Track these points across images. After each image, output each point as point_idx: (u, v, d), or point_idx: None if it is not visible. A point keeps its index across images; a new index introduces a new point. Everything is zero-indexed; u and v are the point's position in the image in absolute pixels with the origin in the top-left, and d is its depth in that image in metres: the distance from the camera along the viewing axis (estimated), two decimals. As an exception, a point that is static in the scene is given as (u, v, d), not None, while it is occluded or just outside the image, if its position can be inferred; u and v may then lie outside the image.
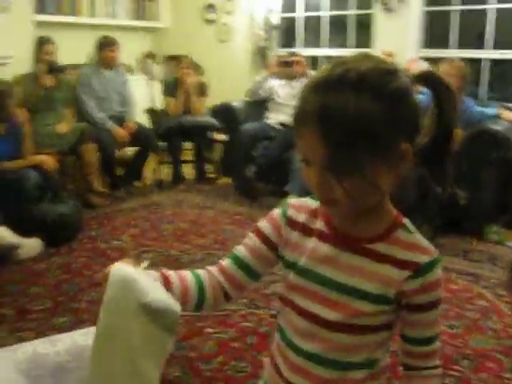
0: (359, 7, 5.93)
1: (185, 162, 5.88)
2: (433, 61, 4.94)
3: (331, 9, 6.17)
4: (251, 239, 1.19)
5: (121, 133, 5.24)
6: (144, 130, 5.47)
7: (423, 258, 1.03)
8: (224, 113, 5.64)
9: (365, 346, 1.07)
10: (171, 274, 1.13)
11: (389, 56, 5.15)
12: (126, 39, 6.03)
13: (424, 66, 4.86)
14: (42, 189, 4.04)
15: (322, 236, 1.10)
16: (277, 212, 1.18)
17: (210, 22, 6.99)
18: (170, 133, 5.54)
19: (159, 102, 5.94)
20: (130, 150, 5.55)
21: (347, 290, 1.05)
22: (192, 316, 2.91)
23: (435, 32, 5.58)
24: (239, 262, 1.18)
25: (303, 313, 1.10)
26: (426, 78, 1.02)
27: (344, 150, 0.90)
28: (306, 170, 1.00)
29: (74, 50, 5.82)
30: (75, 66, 5.66)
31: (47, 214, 3.93)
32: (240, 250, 1.20)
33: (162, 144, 5.70)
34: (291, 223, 1.15)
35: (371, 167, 0.93)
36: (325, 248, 1.08)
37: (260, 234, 1.18)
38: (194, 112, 5.69)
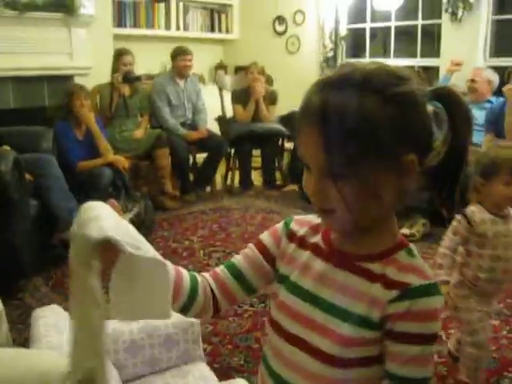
0: (428, 17, 5.97)
1: (253, 168, 6.04)
2: (501, 70, 4.93)
3: (399, 19, 6.23)
4: (250, 249, 1.13)
5: (193, 135, 5.49)
6: (215, 137, 5.67)
7: (415, 280, 0.91)
8: (292, 121, 5.76)
9: (351, 382, 0.95)
10: (168, 264, 1.00)
11: (458, 65, 5.17)
12: (198, 50, 6.27)
13: (490, 75, 4.87)
14: (115, 187, 4.33)
15: (316, 250, 1.04)
16: (280, 225, 1.13)
17: (279, 33, 7.17)
18: (240, 139, 5.71)
19: (229, 111, 6.15)
20: (201, 157, 5.76)
21: (334, 311, 0.96)
22: (256, 310, 3.05)
23: (504, 41, 5.55)
24: (234, 270, 1.12)
25: (289, 337, 1.02)
26: (439, 94, 0.95)
27: (343, 151, 0.85)
28: (306, 177, 0.95)
29: (149, 61, 6.14)
30: (150, 76, 5.94)
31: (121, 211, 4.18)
32: (237, 258, 1.14)
33: (231, 151, 5.90)
34: (291, 236, 1.09)
35: (371, 174, 0.88)
36: (317, 263, 1.02)
37: (259, 244, 1.12)
38: (264, 119, 5.85)
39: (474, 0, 5.23)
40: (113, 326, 1.90)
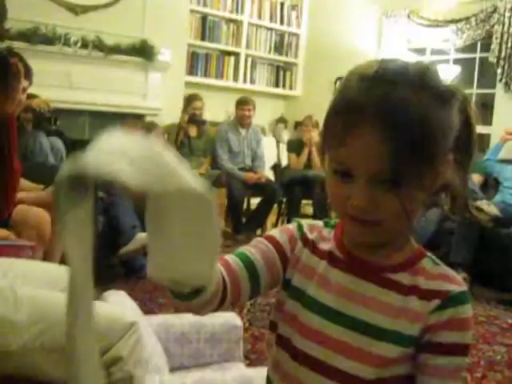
0: (482, 87, 6.22)
1: (304, 216, 6.29)
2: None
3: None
4: (262, 243, 0.95)
5: (249, 175, 5.86)
6: (270, 183, 6.00)
7: (453, 287, 0.86)
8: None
9: None
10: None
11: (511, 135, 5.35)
12: (262, 103, 6.67)
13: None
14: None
15: (332, 259, 0.93)
16: (292, 226, 0.99)
17: (339, 94, 7.52)
18: (292, 184, 6.01)
19: (284, 162, 6.48)
20: (254, 203, 6.08)
21: (367, 330, 0.87)
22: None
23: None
24: (248, 263, 0.91)
25: (307, 360, 0.90)
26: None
27: (409, 154, 0.77)
28: (340, 187, 0.84)
29: (215, 109, 6.57)
30: (215, 124, 6.37)
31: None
32: (249, 250, 0.93)
33: (284, 199, 6.18)
34: (304, 239, 0.97)
35: (428, 178, 0.82)
36: (337, 275, 0.91)
37: (273, 240, 0.96)
38: (315, 167, 6.13)
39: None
40: (164, 318, 2.15)
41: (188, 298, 0.79)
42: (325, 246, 0.95)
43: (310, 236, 0.97)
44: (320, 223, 0.99)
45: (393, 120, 0.77)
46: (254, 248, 0.93)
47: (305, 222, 1.00)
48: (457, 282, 0.88)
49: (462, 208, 0.91)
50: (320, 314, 0.90)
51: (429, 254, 0.92)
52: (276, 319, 0.96)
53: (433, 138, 0.79)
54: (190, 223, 0.69)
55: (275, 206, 6.13)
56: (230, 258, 0.91)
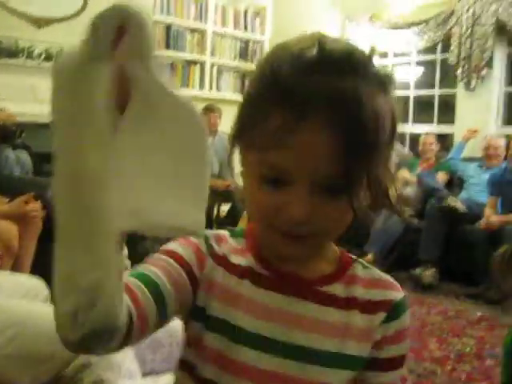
0: (443, 87, 6.35)
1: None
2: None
3: (417, 88, 6.61)
4: (166, 262, 0.75)
5: (218, 182, 5.85)
6: (239, 188, 5.99)
7: (395, 295, 0.79)
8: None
9: None
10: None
11: (474, 132, 5.47)
12: (229, 111, 6.66)
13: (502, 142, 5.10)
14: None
15: (256, 278, 0.77)
16: (196, 239, 0.79)
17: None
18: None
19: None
20: (224, 210, 6.12)
21: (314, 358, 0.74)
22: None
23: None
24: (154, 289, 0.70)
25: None
26: None
27: (362, 150, 0.65)
28: (268, 195, 0.70)
29: (183, 117, 6.57)
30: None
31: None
32: (152, 271, 0.73)
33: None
34: (214, 255, 0.79)
35: (372, 170, 0.69)
36: (266, 296, 0.76)
37: (177, 257, 0.76)
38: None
39: (486, 72, 5.63)
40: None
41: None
42: (240, 261, 0.79)
43: (220, 250, 0.80)
44: (225, 232, 0.84)
45: (345, 114, 0.64)
46: (159, 269, 0.73)
47: (209, 233, 0.82)
48: (396, 288, 0.80)
49: (386, 201, 0.76)
50: (253, 346, 0.74)
51: (352, 256, 0.82)
52: (191, 358, 0.78)
53: (381, 130, 0.67)
54: (178, 147, 0.58)
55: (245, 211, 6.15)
56: (133, 282, 0.70)
